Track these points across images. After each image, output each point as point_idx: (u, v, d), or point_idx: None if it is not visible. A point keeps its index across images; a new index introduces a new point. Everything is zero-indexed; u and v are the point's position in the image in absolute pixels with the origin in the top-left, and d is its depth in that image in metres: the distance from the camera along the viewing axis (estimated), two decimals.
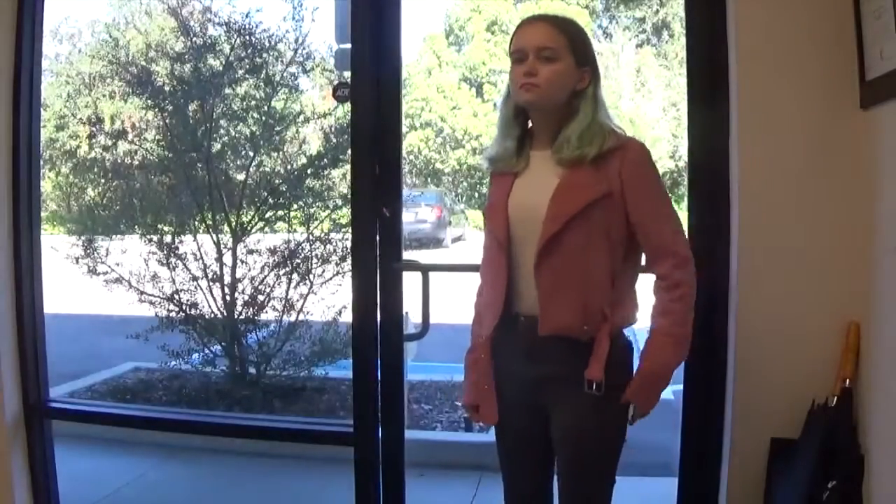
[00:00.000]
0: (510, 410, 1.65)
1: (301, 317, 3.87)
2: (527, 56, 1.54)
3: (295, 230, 3.95)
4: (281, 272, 3.86)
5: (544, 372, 1.57)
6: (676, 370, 1.57)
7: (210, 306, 3.85)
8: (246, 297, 3.86)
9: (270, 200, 3.92)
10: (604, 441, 1.58)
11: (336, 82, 2.32)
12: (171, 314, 3.85)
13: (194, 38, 4.02)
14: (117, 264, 3.88)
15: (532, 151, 1.63)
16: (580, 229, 1.50)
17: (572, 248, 1.50)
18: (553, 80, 1.53)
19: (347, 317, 3.54)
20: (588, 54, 1.58)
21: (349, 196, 2.34)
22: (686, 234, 1.69)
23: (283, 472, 3.37)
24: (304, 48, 3.96)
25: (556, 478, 1.66)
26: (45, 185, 4.77)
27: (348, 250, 3.54)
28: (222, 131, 3.98)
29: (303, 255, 3.87)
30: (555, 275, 1.52)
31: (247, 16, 3.89)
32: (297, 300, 3.85)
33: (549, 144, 1.58)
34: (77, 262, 3.89)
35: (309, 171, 3.92)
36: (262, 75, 3.94)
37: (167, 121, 3.94)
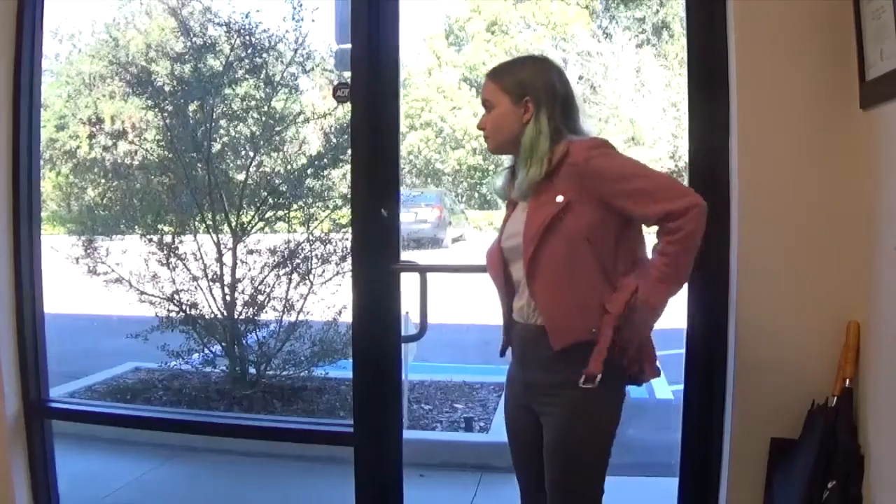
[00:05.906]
0: (510, 411, 1.76)
1: (301, 317, 3.87)
2: None
3: (295, 230, 3.94)
4: (281, 272, 3.85)
5: (531, 377, 1.65)
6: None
7: (210, 306, 3.85)
8: (246, 298, 3.85)
9: (270, 200, 3.92)
10: (590, 446, 1.61)
11: (336, 82, 2.32)
12: (171, 314, 3.84)
13: (194, 38, 4.01)
14: (117, 264, 3.87)
15: None
16: (556, 244, 1.55)
17: (555, 263, 1.55)
18: (493, 125, 1.66)
19: (347, 317, 3.53)
20: (524, 89, 1.62)
21: (349, 196, 2.34)
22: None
23: (283, 472, 3.37)
24: (304, 48, 3.96)
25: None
26: (45, 185, 4.77)
27: (348, 250, 3.54)
28: (222, 131, 3.97)
29: (303, 255, 3.87)
30: (548, 292, 1.58)
31: (247, 16, 3.89)
32: (297, 300, 3.85)
33: None
34: (77, 262, 3.88)
35: (309, 171, 3.91)
36: (262, 75, 3.93)
37: (167, 121, 3.94)
